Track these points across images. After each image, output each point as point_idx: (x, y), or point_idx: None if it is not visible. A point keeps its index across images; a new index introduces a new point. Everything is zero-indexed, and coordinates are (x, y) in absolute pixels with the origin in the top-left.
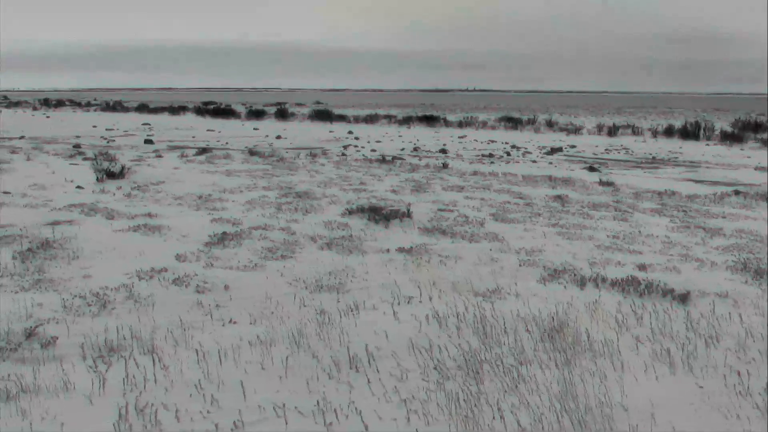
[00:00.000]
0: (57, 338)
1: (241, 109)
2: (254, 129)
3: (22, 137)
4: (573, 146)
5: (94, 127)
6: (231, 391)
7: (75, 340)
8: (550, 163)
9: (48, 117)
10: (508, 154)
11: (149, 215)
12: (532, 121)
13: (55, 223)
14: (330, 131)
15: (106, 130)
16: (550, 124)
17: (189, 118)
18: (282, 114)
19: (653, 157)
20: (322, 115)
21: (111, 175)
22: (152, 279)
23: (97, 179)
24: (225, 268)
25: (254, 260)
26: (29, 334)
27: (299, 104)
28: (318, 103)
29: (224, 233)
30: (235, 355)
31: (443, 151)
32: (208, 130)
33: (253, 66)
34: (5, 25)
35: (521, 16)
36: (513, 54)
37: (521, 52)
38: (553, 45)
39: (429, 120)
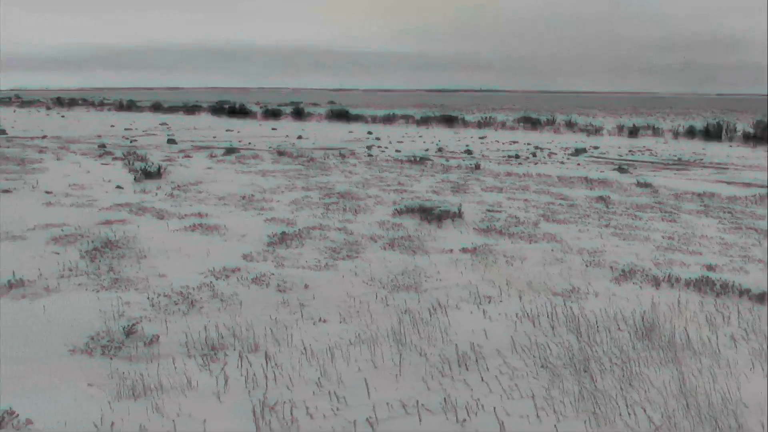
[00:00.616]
0: (158, 336)
1: (256, 110)
2: (272, 129)
3: (44, 137)
4: (596, 147)
5: (112, 126)
6: (352, 389)
7: (175, 338)
8: (578, 164)
9: (63, 116)
10: (534, 155)
11: (199, 215)
12: (551, 122)
13: (108, 222)
14: (349, 131)
15: (125, 129)
16: (569, 125)
17: (205, 118)
18: (298, 114)
19: (678, 159)
20: (340, 115)
21: (148, 174)
22: (229, 278)
23: (135, 179)
24: (297, 268)
25: (322, 260)
26: (128, 333)
27: (314, 104)
28: (331, 103)
29: (283, 233)
30: (343, 354)
31: (468, 152)
32: (227, 130)
33: (259, 66)
34: (13, 25)
35: (525, 18)
36: (517, 55)
37: (525, 54)
38: (557, 46)
39: (447, 120)
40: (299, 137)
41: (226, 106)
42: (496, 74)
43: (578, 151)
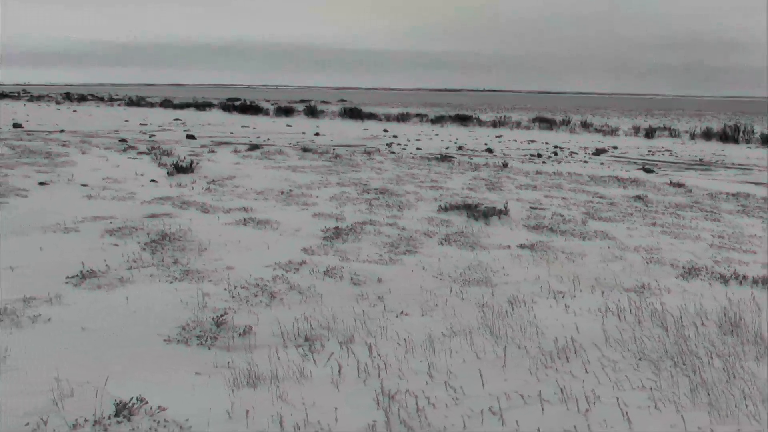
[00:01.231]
0: (251, 327)
1: (267, 106)
2: (287, 126)
3: (62, 131)
4: (615, 147)
5: (126, 121)
6: (463, 379)
7: (267, 329)
8: (602, 163)
9: (75, 111)
10: (555, 154)
11: (244, 209)
12: (566, 122)
13: (154, 215)
14: (364, 129)
15: (140, 124)
16: (585, 125)
17: (217, 114)
18: (311, 112)
19: (700, 160)
20: (353, 113)
21: (180, 169)
22: (299, 271)
23: (168, 173)
24: (362, 262)
25: (383, 254)
26: (218, 323)
27: (324, 102)
28: (342, 101)
29: (337, 228)
30: (442, 345)
31: (489, 150)
32: (242, 126)
33: (261, 63)
34: (13, 20)
35: (528, 18)
36: (520, 55)
37: (528, 54)
38: (559, 47)
39: (462, 119)
40: (316, 134)
41: (237, 103)
42: (498, 74)
43: (599, 151)
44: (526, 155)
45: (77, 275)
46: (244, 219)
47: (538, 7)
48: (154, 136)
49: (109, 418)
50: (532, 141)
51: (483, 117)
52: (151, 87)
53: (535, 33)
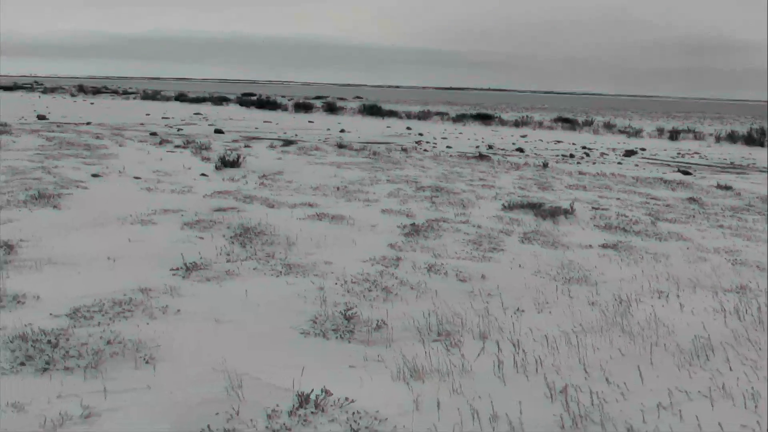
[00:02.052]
0: (384, 322)
1: (283, 102)
2: (309, 122)
3: (89, 123)
4: (643, 149)
5: (148, 115)
6: (620, 375)
7: (397, 323)
8: (636, 165)
9: (92, 104)
10: (587, 155)
11: (309, 204)
12: (588, 123)
13: (221, 209)
14: (387, 126)
15: (162, 118)
16: (608, 126)
17: (235, 109)
18: (330, 108)
19: (731, 163)
20: (372, 110)
21: (226, 163)
22: (399, 267)
23: (216, 167)
24: (455, 258)
25: (471, 251)
26: (348, 318)
27: (341, 98)
28: (358, 98)
29: (413, 225)
30: (580, 342)
31: (520, 150)
32: (264, 122)
33: (266, 59)
34: (21, 13)
35: (534, 19)
36: (523, 55)
37: (533, 54)
38: (565, 48)
39: (483, 118)
40: (341, 131)
41: (253, 98)
42: (503, 74)
43: (629, 153)
44: (558, 155)
45: (181, 267)
46: (317, 214)
47: (545, 8)
48: (182, 130)
49: (297, 408)
50: (559, 141)
51: (504, 116)
52: (155, 81)
53: (541, 34)
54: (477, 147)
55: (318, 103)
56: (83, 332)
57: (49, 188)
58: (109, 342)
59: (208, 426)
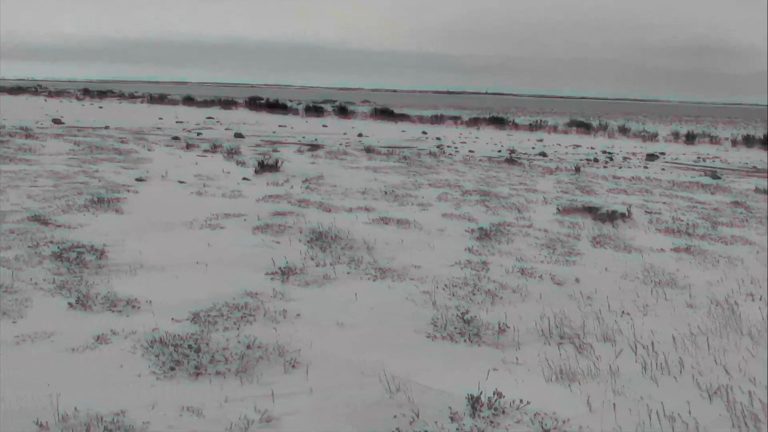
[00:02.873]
0: (506, 325)
1: (294, 106)
2: (323, 126)
3: (107, 127)
4: (662, 153)
5: (161, 119)
6: (762, 376)
7: (517, 326)
8: (662, 169)
9: (101, 108)
10: (610, 159)
11: (366, 209)
12: (603, 127)
13: (280, 213)
14: (402, 130)
15: (177, 122)
16: (623, 130)
17: (246, 113)
18: (342, 111)
19: (754, 167)
20: (385, 114)
21: (264, 167)
22: (489, 270)
23: (255, 171)
24: (540, 263)
25: (548, 255)
26: (466, 320)
27: (349, 102)
28: (366, 102)
29: (481, 229)
30: (710, 344)
31: (543, 154)
32: (279, 126)
33: (261, 62)
34: (19, 16)
35: (534, 22)
36: (523, 58)
37: (532, 57)
38: (564, 51)
39: (497, 122)
40: (359, 135)
41: (261, 102)
42: (501, 77)
43: (651, 156)
44: (582, 160)
45: (276, 272)
46: (381, 218)
47: (545, 11)
48: (201, 134)
49: (475, 411)
50: (577, 146)
51: (518, 120)
52: (154, 84)
53: (542, 37)
54: (499, 151)
55: (328, 107)
56: (219, 337)
57: (102, 193)
58: (249, 347)
59: (397, 428)
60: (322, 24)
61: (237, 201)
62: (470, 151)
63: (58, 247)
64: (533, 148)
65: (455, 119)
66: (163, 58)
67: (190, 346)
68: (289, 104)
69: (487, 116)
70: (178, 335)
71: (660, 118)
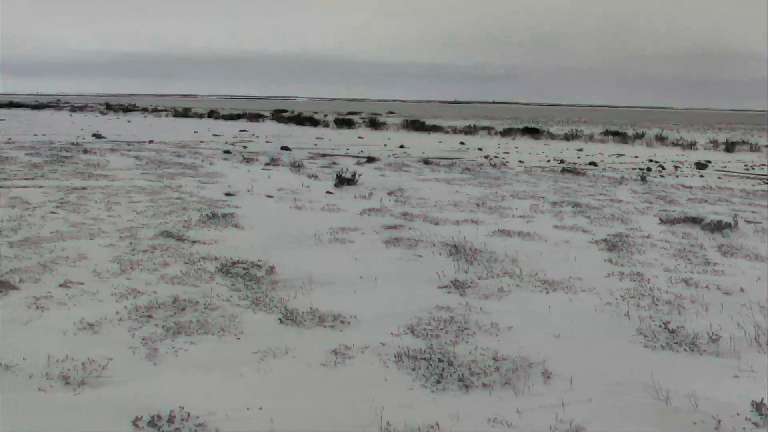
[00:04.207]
0: (717, 334)
1: (322, 118)
2: (359, 138)
3: (150, 141)
4: (708, 161)
5: (196, 132)
6: None
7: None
8: (719, 177)
9: (129, 122)
10: (662, 168)
11: (473, 222)
12: (639, 136)
13: (391, 227)
14: (439, 141)
15: (214, 135)
16: (660, 139)
17: (276, 126)
18: (373, 124)
19: None
20: (416, 125)
21: (342, 180)
22: (650, 281)
23: (335, 185)
24: (692, 273)
25: (687, 265)
26: (671, 330)
27: (375, 114)
28: (391, 113)
29: (606, 240)
30: None
31: (593, 164)
32: (317, 138)
33: (268, 75)
34: (28, 31)
35: (541, 32)
36: (528, 68)
37: (538, 66)
38: (571, 60)
39: (531, 132)
40: (401, 146)
41: (286, 115)
42: (507, 87)
43: (700, 165)
44: (634, 169)
45: (449, 285)
46: (500, 231)
47: (552, 20)
48: (246, 147)
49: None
50: (620, 155)
51: (554, 130)
52: (163, 98)
53: (549, 46)
54: (548, 161)
55: (357, 119)
56: (458, 350)
57: (205, 208)
58: (494, 359)
59: None
60: (326, 35)
61: (339, 215)
62: (520, 162)
63: (221, 264)
64: (578, 158)
65: (488, 129)
66: (169, 71)
67: (440, 359)
68: (317, 117)
69: (521, 126)
70: (421, 349)
71: (690, 126)
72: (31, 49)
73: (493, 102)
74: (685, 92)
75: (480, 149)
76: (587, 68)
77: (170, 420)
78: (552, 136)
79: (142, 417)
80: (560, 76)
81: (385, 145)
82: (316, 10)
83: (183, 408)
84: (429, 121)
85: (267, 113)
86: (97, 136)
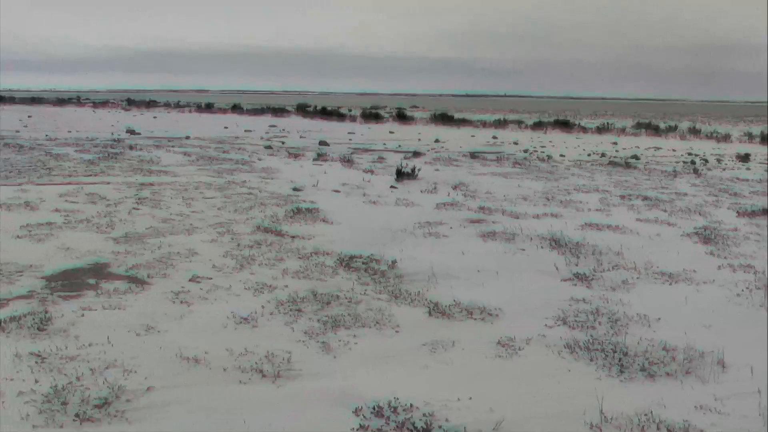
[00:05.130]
0: None
1: (347, 112)
2: (390, 132)
3: (187, 137)
4: (748, 154)
5: (226, 128)
6: None
7: None
8: (767, 170)
9: (155, 118)
10: (706, 161)
11: (553, 215)
12: (673, 128)
13: (474, 221)
14: (471, 135)
15: (245, 131)
16: (694, 132)
17: (302, 120)
18: (402, 117)
19: None
20: (445, 118)
21: (402, 175)
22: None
23: (396, 179)
24: None
25: None
26: None
27: (400, 108)
28: (414, 107)
29: (696, 233)
30: None
31: (635, 157)
32: (349, 133)
33: (280, 68)
34: (36, 27)
35: (549, 23)
36: (538, 60)
37: (547, 59)
38: (580, 52)
39: (563, 125)
40: (436, 140)
41: (310, 109)
42: (516, 80)
43: (741, 158)
44: (677, 162)
45: (572, 278)
46: (590, 224)
47: (559, 13)
48: (284, 142)
49: None
50: (658, 148)
51: (584, 123)
52: (174, 93)
53: (557, 38)
54: (589, 155)
55: (383, 113)
56: (624, 341)
57: (281, 203)
58: (665, 349)
59: None
60: (335, 29)
61: (415, 209)
62: (561, 155)
63: (337, 258)
64: (617, 151)
65: (519, 123)
66: (176, 67)
67: (613, 350)
68: (343, 111)
69: (552, 119)
70: (590, 339)
71: (716, 119)
72: (34, 44)
73: (505, 95)
74: (689, 85)
75: (516, 143)
76: (592, 61)
77: (393, 411)
78: (583, 129)
79: (362, 407)
80: (562, 70)
81: (419, 140)
82: (325, 6)
83: (396, 398)
84: (457, 115)
85: (290, 108)
86: (132, 132)
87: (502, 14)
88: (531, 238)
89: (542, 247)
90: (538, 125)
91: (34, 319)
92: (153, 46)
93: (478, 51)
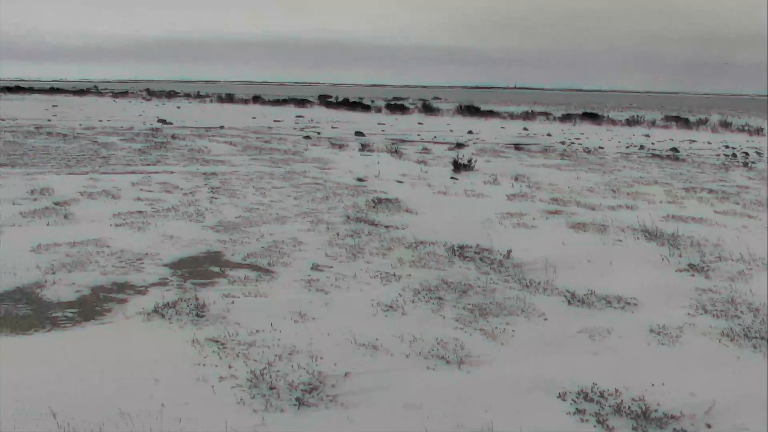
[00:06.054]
0: None
1: (371, 103)
2: (418, 123)
3: (221, 127)
4: None
5: (254, 118)
6: None
7: None
8: None
9: (179, 108)
10: (747, 154)
11: (628, 207)
12: (704, 122)
13: (552, 212)
14: (502, 127)
15: (275, 121)
16: (725, 125)
17: (327, 111)
18: (428, 109)
19: None
20: (471, 110)
21: (460, 166)
22: None
23: (453, 170)
24: None
25: None
26: None
27: (426, 99)
28: (436, 98)
29: None
30: None
31: (674, 150)
32: (378, 123)
33: (285, 59)
34: (42, 18)
35: (561, 15)
36: (547, 51)
37: (559, 50)
38: (593, 44)
39: (592, 117)
40: (469, 132)
41: (333, 100)
42: (529, 71)
43: None
44: (719, 155)
45: (687, 268)
46: (671, 216)
47: (572, 4)
48: (320, 133)
49: None
50: (692, 141)
51: (613, 115)
52: (184, 83)
53: (564, 30)
54: (627, 147)
55: (407, 104)
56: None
57: (352, 192)
58: None
59: None
60: (344, 19)
61: (488, 200)
62: (600, 147)
63: (447, 248)
64: (652, 144)
65: (546, 115)
66: (188, 56)
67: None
68: (366, 102)
69: (580, 112)
70: (749, 328)
71: (741, 112)
72: (47, 34)
73: (515, 87)
74: (694, 77)
75: (549, 134)
76: (599, 52)
77: (601, 395)
78: (612, 122)
79: (565, 392)
80: (564, 62)
81: (451, 131)
82: None
83: (595, 384)
84: (483, 107)
85: (312, 99)
86: (163, 122)
87: (501, 8)
88: (623, 230)
89: (638, 239)
90: (566, 117)
91: (189, 306)
92: (163, 36)
93: (488, 42)
